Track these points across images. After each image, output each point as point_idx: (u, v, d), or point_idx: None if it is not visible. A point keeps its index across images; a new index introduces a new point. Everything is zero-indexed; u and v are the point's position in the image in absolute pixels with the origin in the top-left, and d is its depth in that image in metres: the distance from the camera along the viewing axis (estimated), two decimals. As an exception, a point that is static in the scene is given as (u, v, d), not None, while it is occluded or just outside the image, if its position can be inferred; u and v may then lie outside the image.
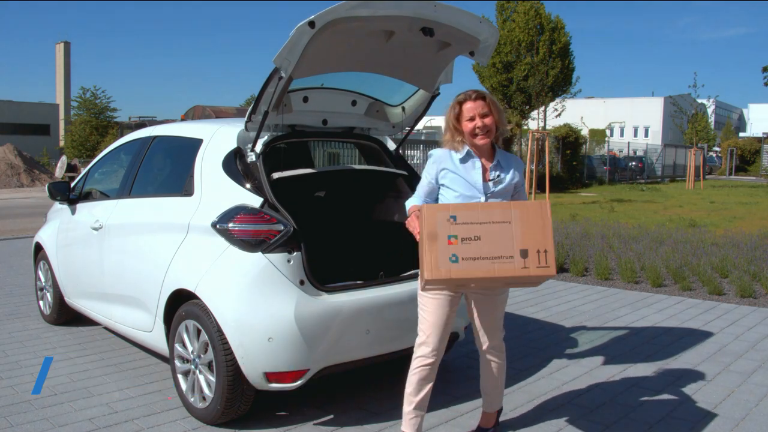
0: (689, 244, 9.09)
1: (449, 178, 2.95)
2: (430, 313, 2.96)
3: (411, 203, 3.04)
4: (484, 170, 2.96)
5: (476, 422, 3.39)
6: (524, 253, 2.64)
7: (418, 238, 2.70)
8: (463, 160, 2.96)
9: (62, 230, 5.05)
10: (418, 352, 3.01)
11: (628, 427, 3.46)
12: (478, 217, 2.67)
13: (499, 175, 2.97)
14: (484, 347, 3.13)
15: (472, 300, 3.08)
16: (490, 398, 3.28)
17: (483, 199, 2.92)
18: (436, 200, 3.02)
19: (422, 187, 3.04)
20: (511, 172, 3.01)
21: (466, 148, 2.95)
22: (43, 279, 5.41)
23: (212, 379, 3.32)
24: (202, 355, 3.40)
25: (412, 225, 2.84)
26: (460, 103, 2.95)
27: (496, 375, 3.19)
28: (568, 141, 26.36)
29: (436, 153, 3.03)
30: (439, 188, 3.01)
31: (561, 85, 24.56)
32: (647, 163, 37.14)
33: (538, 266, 2.64)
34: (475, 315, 3.09)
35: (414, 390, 3.04)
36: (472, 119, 2.90)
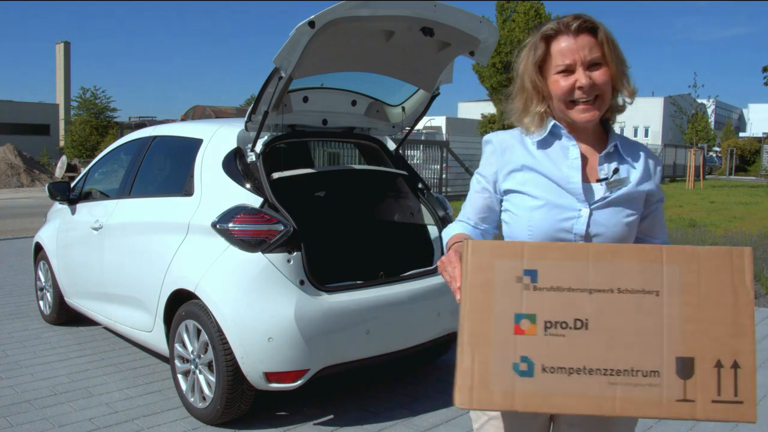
0: (689, 244, 9.07)
1: (521, 179, 1.66)
2: None
3: (451, 230, 1.76)
4: (586, 163, 1.66)
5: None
6: (686, 368, 1.32)
7: (457, 297, 1.40)
8: (544, 144, 1.67)
9: (62, 230, 5.05)
10: None
11: (628, 427, 3.45)
12: (586, 276, 1.35)
13: (617, 171, 1.64)
14: None
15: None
16: None
17: (585, 212, 1.60)
18: (496, 225, 1.78)
19: (472, 200, 1.76)
20: (641, 170, 1.67)
21: (551, 122, 1.67)
22: (43, 279, 5.41)
23: (212, 379, 3.32)
24: (202, 355, 3.40)
25: (449, 270, 1.47)
26: (548, 39, 1.62)
27: None
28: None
29: (494, 139, 1.74)
30: (501, 200, 1.72)
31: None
32: (647, 163, 36.99)
33: (716, 400, 1.30)
34: None
35: None
36: (568, 71, 1.59)
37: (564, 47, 1.59)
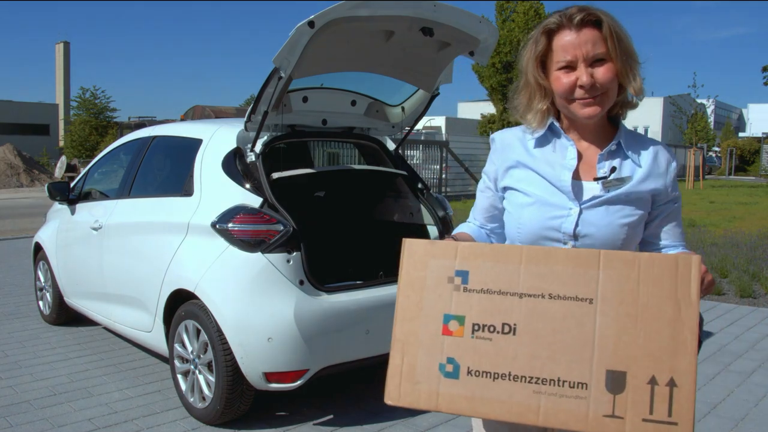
0: (689, 244, 9.04)
1: (517, 176, 1.64)
2: None
3: (457, 229, 1.80)
4: (582, 160, 1.61)
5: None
6: (616, 382, 1.24)
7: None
8: (543, 141, 1.64)
9: (62, 230, 5.05)
10: None
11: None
12: (518, 280, 1.32)
13: (614, 170, 1.58)
14: None
15: None
16: None
17: (574, 211, 1.56)
18: (499, 222, 1.75)
19: (478, 200, 1.78)
20: (647, 168, 1.60)
21: (550, 120, 1.63)
22: (42, 279, 5.41)
23: (212, 379, 3.32)
24: (201, 355, 3.40)
25: None
26: (550, 33, 1.56)
27: None
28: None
29: (497, 137, 1.72)
30: (503, 198, 1.71)
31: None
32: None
33: (647, 419, 1.22)
34: None
35: None
36: (569, 67, 1.53)
37: (566, 42, 1.52)
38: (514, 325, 1.29)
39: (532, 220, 1.58)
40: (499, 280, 1.32)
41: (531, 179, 1.61)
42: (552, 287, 1.29)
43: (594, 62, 1.51)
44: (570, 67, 1.52)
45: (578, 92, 1.52)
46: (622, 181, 1.57)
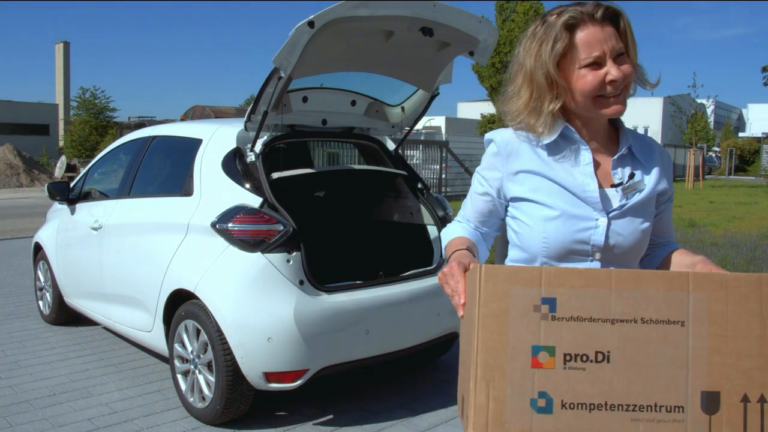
0: (689, 244, 9.09)
1: (531, 186, 1.56)
2: None
3: (451, 232, 1.68)
4: (598, 167, 1.56)
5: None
6: (711, 403, 1.25)
7: (460, 313, 1.36)
8: (554, 148, 1.56)
9: (62, 230, 5.05)
10: None
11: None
12: (609, 305, 1.27)
13: (633, 176, 1.55)
14: None
15: None
16: None
17: (603, 221, 1.52)
18: (498, 228, 1.70)
19: (473, 202, 1.67)
20: (656, 171, 1.59)
21: (563, 125, 1.55)
22: (42, 279, 5.41)
23: (212, 379, 3.32)
24: (201, 355, 3.40)
25: (452, 284, 1.37)
26: (571, 29, 1.48)
27: None
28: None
29: (498, 139, 1.61)
30: (507, 205, 1.63)
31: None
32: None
33: None
34: None
35: None
36: (597, 64, 1.47)
37: (591, 38, 1.45)
38: (608, 352, 1.24)
39: (559, 234, 1.52)
40: (590, 306, 1.25)
41: (550, 189, 1.53)
42: (644, 311, 1.25)
43: (619, 56, 1.47)
44: (597, 63, 1.46)
45: (608, 88, 1.47)
46: (637, 186, 1.54)
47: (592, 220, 1.51)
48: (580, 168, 1.53)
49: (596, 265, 1.53)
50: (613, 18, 1.48)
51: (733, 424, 1.23)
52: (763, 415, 1.22)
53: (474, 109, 49.96)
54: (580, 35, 1.46)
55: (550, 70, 1.48)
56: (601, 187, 1.53)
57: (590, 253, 1.52)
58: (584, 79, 1.46)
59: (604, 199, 1.52)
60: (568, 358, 1.24)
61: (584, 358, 1.25)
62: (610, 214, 1.51)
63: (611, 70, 1.45)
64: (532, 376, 1.24)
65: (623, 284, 1.26)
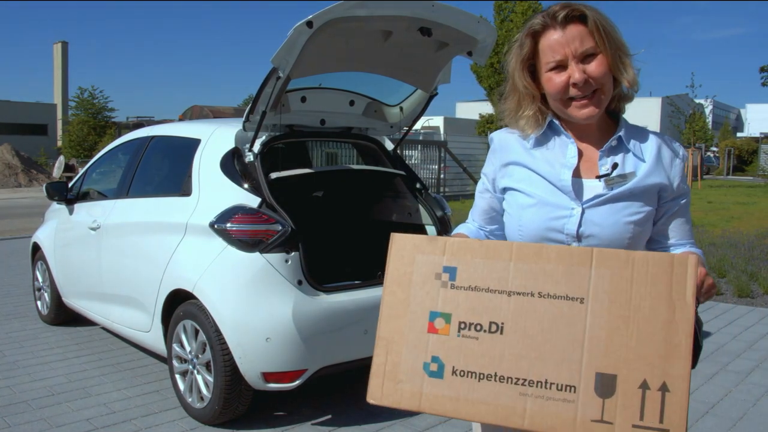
0: (687, 244, 9.09)
1: (517, 177, 1.61)
2: None
3: (459, 229, 1.76)
4: (582, 157, 1.57)
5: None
6: (606, 386, 1.20)
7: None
8: (543, 140, 1.60)
9: (60, 230, 5.04)
10: None
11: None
12: (507, 277, 1.27)
13: (616, 167, 1.54)
14: None
15: None
16: None
17: (577, 210, 1.52)
18: (498, 224, 1.72)
19: (476, 202, 1.74)
20: (651, 162, 1.55)
21: (549, 119, 1.59)
22: (40, 279, 5.41)
23: (210, 379, 3.32)
24: (200, 355, 3.40)
25: None
26: (535, 35, 1.53)
27: None
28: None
29: (495, 137, 1.68)
30: (502, 199, 1.67)
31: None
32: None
33: (637, 425, 1.17)
34: None
35: None
36: (560, 67, 1.49)
37: (553, 41, 1.48)
38: (502, 324, 1.25)
39: (534, 222, 1.54)
40: (488, 278, 1.27)
41: (531, 179, 1.57)
42: (542, 286, 1.25)
43: (585, 58, 1.47)
44: (561, 66, 1.48)
45: (572, 91, 1.48)
46: (625, 177, 1.52)
47: (567, 209, 1.52)
48: (565, 159, 1.56)
49: None
50: (581, 18, 1.48)
51: (629, 410, 1.17)
52: (664, 403, 1.16)
53: (472, 109, 49.93)
54: (544, 40, 1.50)
55: (516, 75, 1.56)
56: (581, 177, 1.54)
57: (566, 242, 1.52)
58: (550, 83, 1.51)
59: (582, 188, 1.53)
60: (462, 326, 1.27)
61: (478, 328, 1.26)
62: (585, 204, 1.52)
63: (573, 73, 1.47)
64: (426, 341, 1.28)
65: (523, 258, 1.27)
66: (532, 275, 1.26)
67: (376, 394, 1.31)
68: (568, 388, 1.20)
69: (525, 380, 1.22)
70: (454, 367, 1.25)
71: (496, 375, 1.23)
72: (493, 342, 1.25)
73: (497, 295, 1.26)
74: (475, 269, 1.28)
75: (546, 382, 1.21)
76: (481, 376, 1.24)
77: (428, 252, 1.32)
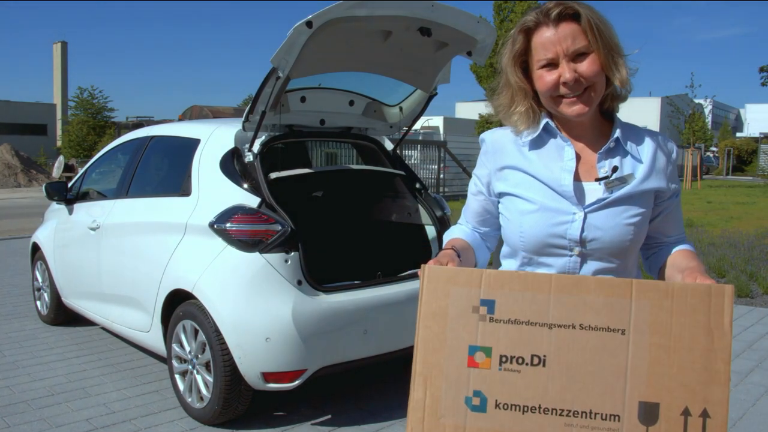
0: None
1: (513, 181, 1.59)
2: None
3: (450, 233, 1.73)
4: (580, 160, 1.56)
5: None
6: (649, 414, 1.23)
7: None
8: (538, 143, 1.58)
9: (59, 230, 5.04)
10: None
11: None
12: (547, 309, 1.27)
13: (616, 170, 1.53)
14: None
15: None
16: None
17: (579, 215, 1.51)
18: (498, 227, 1.69)
19: (469, 203, 1.73)
20: (648, 164, 1.55)
21: (544, 120, 1.57)
22: (40, 279, 5.41)
23: (210, 379, 3.32)
24: (199, 355, 3.40)
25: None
26: (528, 32, 1.52)
27: None
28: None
29: (488, 138, 1.66)
30: (498, 202, 1.65)
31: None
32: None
33: None
34: None
35: None
36: (551, 65, 1.49)
37: (545, 39, 1.47)
38: (544, 356, 1.25)
39: (535, 228, 1.53)
40: (528, 310, 1.27)
41: (529, 184, 1.55)
42: (583, 317, 1.25)
43: (576, 57, 1.46)
44: (552, 64, 1.48)
45: (562, 89, 1.47)
46: (624, 179, 1.51)
47: (569, 214, 1.51)
48: (562, 163, 1.54)
49: (576, 260, 1.52)
50: (574, 16, 1.47)
51: None
52: (705, 429, 1.20)
53: (472, 110, 49.93)
54: (537, 38, 1.49)
55: (509, 71, 1.55)
56: (581, 180, 1.53)
57: (569, 247, 1.52)
58: (541, 80, 1.50)
59: (582, 192, 1.52)
60: (503, 359, 1.26)
61: (520, 361, 1.26)
62: (587, 209, 1.50)
63: (564, 72, 1.46)
64: (468, 375, 1.27)
65: (563, 289, 1.27)
66: (573, 307, 1.26)
67: (417, 428, 1.29)
68: (612, 417, 1.22)
69: (570, 411, 1.23)
70: (497, 400, 1.26)
71: (540, 407, 1.24)
72: (536, 375, 1.25)
73: (538, 327, 1.26)
74: (515, 302, 1.28)
75: (591, 413, 1.23)
76: (525, 409, 1.25)
77: (463, 284, 1.30)
